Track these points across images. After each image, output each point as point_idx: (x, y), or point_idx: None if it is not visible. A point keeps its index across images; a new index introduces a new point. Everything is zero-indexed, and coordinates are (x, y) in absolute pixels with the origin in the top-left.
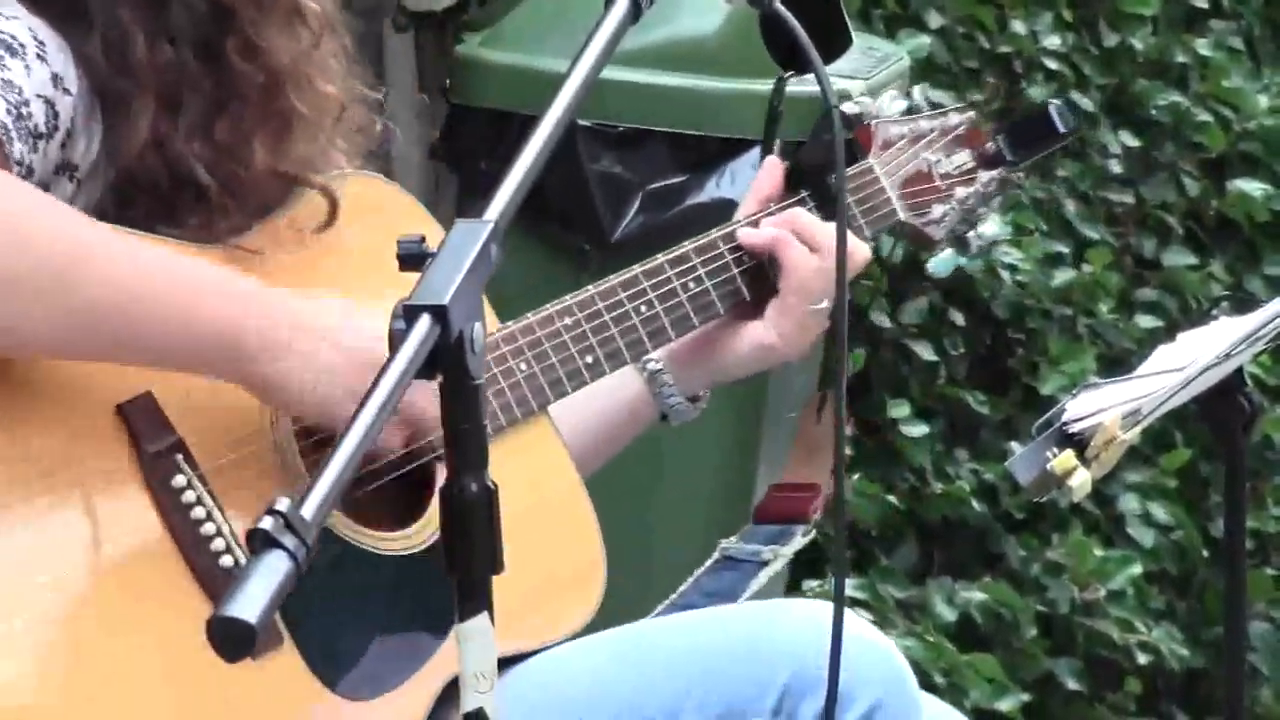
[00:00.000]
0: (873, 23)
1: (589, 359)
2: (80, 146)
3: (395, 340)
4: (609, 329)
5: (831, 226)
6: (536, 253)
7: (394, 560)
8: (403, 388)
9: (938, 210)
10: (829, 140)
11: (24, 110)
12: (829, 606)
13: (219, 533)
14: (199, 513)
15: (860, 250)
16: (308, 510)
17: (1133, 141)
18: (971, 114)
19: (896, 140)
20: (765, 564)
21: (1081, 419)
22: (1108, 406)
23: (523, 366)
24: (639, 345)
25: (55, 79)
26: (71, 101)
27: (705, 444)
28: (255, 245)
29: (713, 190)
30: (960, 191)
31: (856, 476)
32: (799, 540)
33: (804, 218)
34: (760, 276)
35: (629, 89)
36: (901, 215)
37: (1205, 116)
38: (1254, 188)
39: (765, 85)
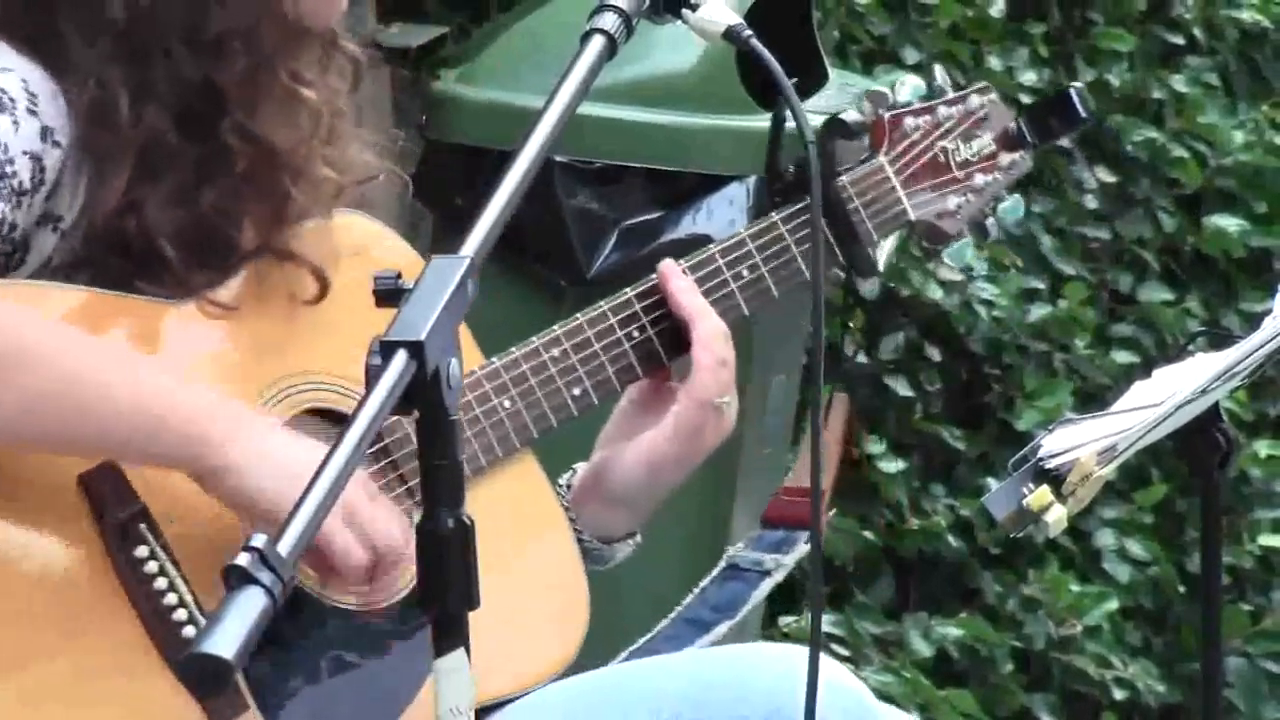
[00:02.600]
0: (849, 59)
1: (576, 391)
2: (66, 198)
3: (372, 376)
4: (599, 357)
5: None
6: (513, 289)
7: (360, 618)
8: (379, 421)
9: (953, 201)
10: (829, 149)
11: (8, 169)
12: (804, 651)
13: (181, 603)
14: (161, 583)
15: (727, 419)
16: (284, 547)
17: (1109, 177)
18: (993, 94)
19: (913, 131)
20: (768, 574)
21: (1058, 455)
22: (1084, 442)
23: (506, 403)
24: (630, 372)
25: (45, 132)
26: (60, 154)
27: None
28: (232, 297)
29: (689, 226)
30: (979, 179)
31: (833, 512)
32: (801, 548)
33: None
34: (760, 291)
35: (605, 125)
36: (914, 215)
37: (1181, 152)
38: (1230, 223)
39: (742, 121)
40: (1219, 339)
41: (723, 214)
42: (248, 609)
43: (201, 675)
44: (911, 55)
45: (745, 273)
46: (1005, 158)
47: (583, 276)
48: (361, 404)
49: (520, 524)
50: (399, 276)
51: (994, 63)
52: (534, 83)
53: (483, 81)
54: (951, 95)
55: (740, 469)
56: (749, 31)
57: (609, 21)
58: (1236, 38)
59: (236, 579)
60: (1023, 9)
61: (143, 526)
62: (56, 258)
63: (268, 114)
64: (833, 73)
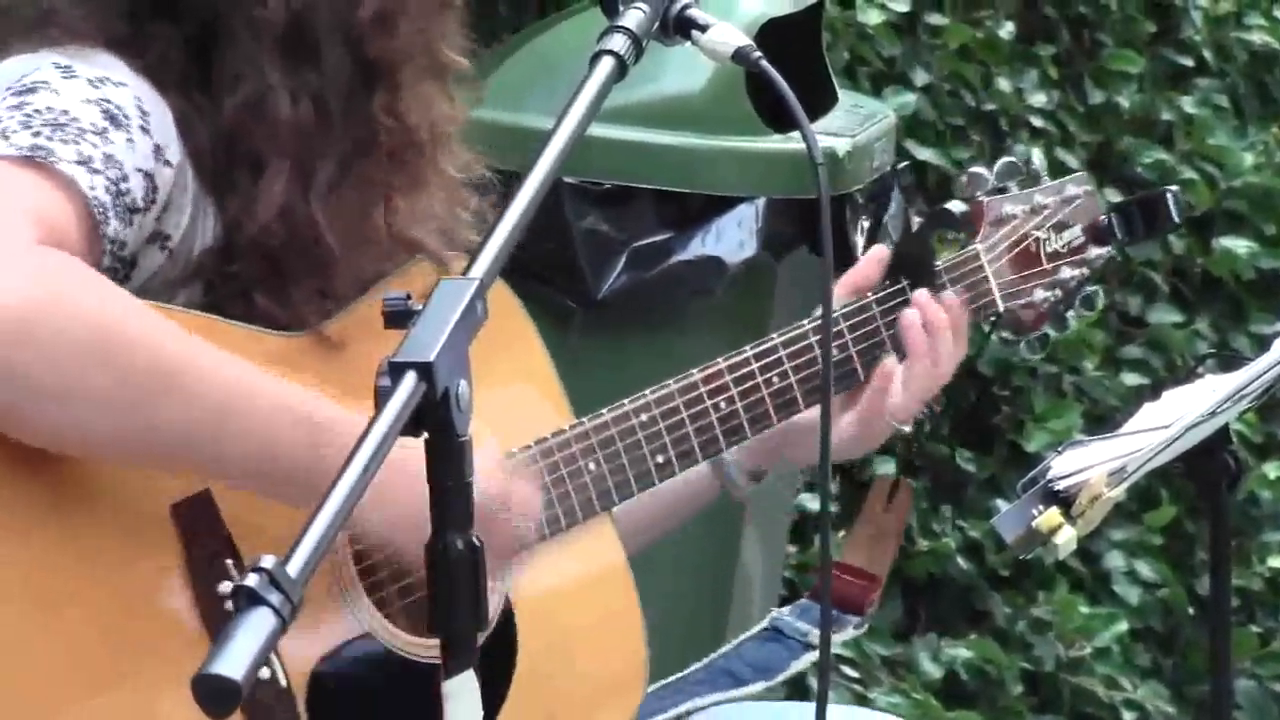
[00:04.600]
0: (859, 80)
1: (660, 459)
2: (174, 217)
3: (381, 397)
4: (684, 426)
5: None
6: None
7: (428, 667)
8: (389, 443)
9: (1040, 295)
10: (930, 241)
11: (123, 186)
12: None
13: None
14: None
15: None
16: (293, 567)
17: (1118, 198)
18: (1089, 185)
19: (1009, 219)
20: (811, 647)
21: (1067, 476)
22: (1093, 464)
23: (591, 466)
24: (714, 444)
25: (157, 151)
26: (171, 174)
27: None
28: (338, 332)
29: (698, 248)
30: (1066, 272)
31: (842, 534)
32: (850, 632)
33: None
34: (847, 371)
35: (615, 146)
36: (1002, 306)
37: (1191, 174)
38: (1239, 245)
39: (751, 143)
40: (1228, 361)
41: (732, 235)
42: (257, 630)
43: (210, 695)
44: (921, 77)
45: (835, 351)
46: (1093, 251)
47: (591, 298)
48: (371, 425)
49: (589, 588)
50: (408, 298)
51: (1003, 84)
52: (543, 104)
53: (492, 103)
54: (1048, 182)
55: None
56: (758, 53)
57: (618, 43)
58: (1246, 59)
59: (245, 600)
60: (1032, 31)
61: (229, 561)
62: (159, 277)
63: (419, 89)
64: (842, 94)
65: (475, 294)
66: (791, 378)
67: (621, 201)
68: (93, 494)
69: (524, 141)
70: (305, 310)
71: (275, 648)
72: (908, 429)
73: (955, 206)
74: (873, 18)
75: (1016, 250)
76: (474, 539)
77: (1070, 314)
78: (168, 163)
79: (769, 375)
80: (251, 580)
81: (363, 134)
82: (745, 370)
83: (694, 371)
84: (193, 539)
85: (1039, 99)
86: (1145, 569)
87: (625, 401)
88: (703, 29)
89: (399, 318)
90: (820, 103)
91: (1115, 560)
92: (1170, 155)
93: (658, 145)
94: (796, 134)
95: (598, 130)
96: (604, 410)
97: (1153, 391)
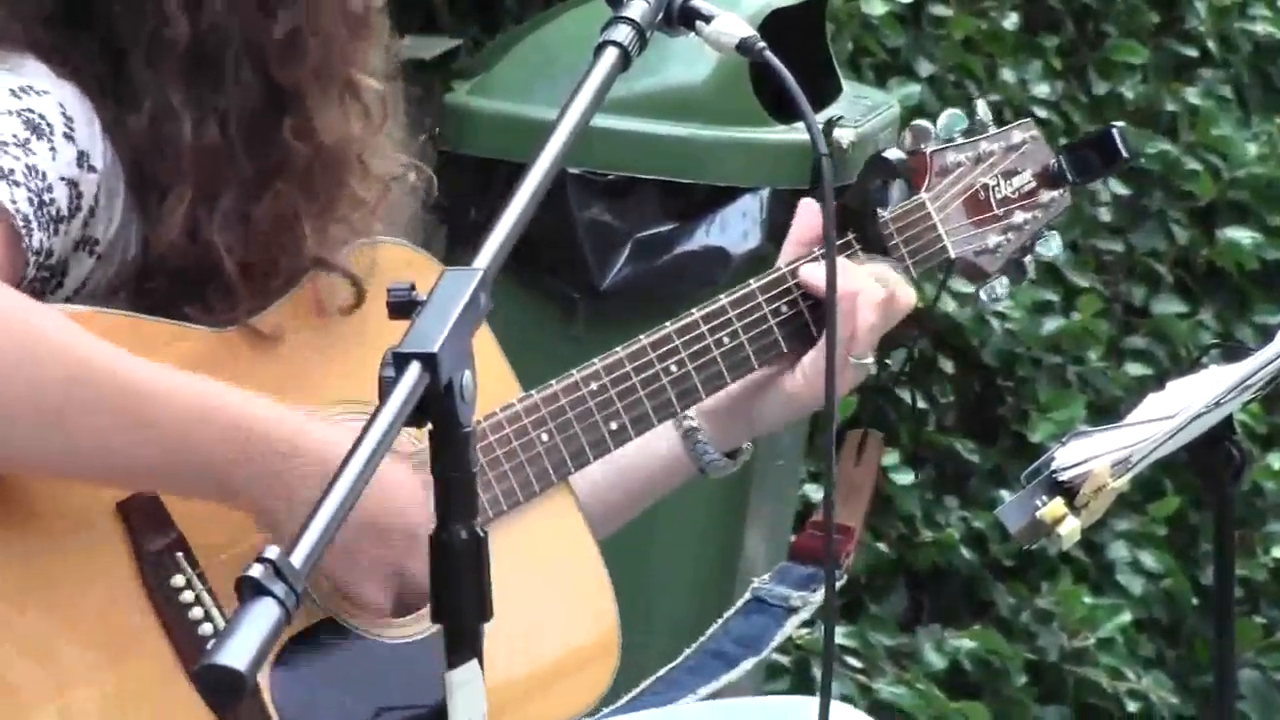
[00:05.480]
0: (863, 71)
1: (614, 425)
2: (102, 222)
3: (385, 388)
4: (636, 392)
5: (894, 284)
6: (525, 300)
7: (393, 648)
8: (394, 433)
9: (993, 240)
10: (872, 187)
11: (46, 197)
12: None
13: (216, 633)
14: (197, 613)
15: (906, 296)
16: (297, 558)
17: (1122, 190)
18: (1034, 130)
19: (954, 167)
20: (794, 610)
21: (1071, 467)
22: (1097, 454)
23: (544, 437)
24: (667, 407)
25: (81, 157)
26: (96, 179)
27: (694, 492)
28: (273, 324)
29: (702, 238)
30: (1019, 216)
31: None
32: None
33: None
34: (798, 328)
35: (618, 137)
36: (954, 253)
37: (1195, 165)
38: (1243, 236)
39: (755, 133)
40: (1232, 352)
41: (736, 226)
42: (261, 620)
43: (215, 686)
44: (925, 68)
45: (785, 309)
46: (1045, 195)
47: (595, 288)
48: (375, 416)
49: (553, 562)
50: (412, 288)
51: (1007, 75)
52: (547, 95)
53: (496, 94)
54: (994, 130)
55: (752, 482)
56: (762, 44)
57: (622, 34)
58: (1250, 50)
59: (250, 591)
60: (1036, 22)
61: (180, 555)
62: (91, 282)
63: (329, 110)
64: (846, 85)
65: (479, 285)
66: (742, 336)
67: (625, 192)
68: (35, 494)
69: (528, 132)
70: (230, 315)
71: None
72: (870, 363)
73: (892, 154)
74: (877, 8)
75: (965, 197)
76: (478, 530)
77: (1028, 259)
78: (92, 168)
79: (719, 335)
80: (256, 571)
81: (272, 157)
82: (694, 333)
83: (641, 337)
84: (141, 535)
85: (1043, 90)
86: (1149, 560)
87: (574, 371)
88: (707, 20)
89: (403, 308)
90: (824, 93)
91: (1119, 551)
92: (1174, 146)
93: (662, 136)
94: (801, 125)
95: (602, 121)
96: (552, 381)
97: (1157, 382)
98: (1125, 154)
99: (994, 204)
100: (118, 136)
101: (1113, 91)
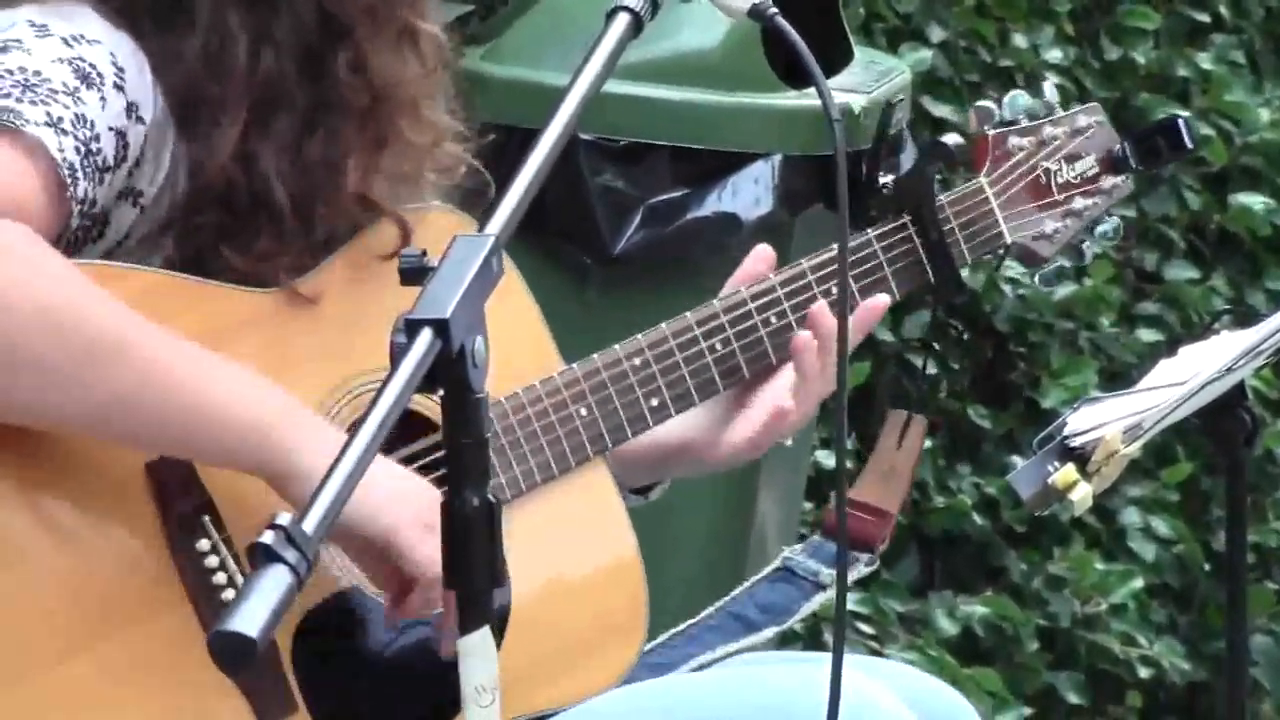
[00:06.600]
0: (874, 36)
1: (654, 402)
2: (148, 173)
3: (396, 353)
4: (679, 369)
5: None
6: (537, 267)
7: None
8: (405, 399)
9: (1050, 225)
10: (929, 172)
11: (93, 146)
12: (863, 665)
13: None
14: (220, 578)
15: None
16: (309, 524)
17: None
18: (1100, 115)
19: (1016, 151)
20: (823, 588)
21: (1083, 433)
22: (1109, 420)
23: (583, 412)
24: (710, 386)
25: (130, 108)
26: (144, 130)
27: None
28: (313, 288)
29: (714, 204)
30: (1079, 202)
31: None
32: (860, 569)
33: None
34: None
35: (630, 103)
36: (1010, 238)
37: (1207, 130)
38: (1255, 201)
39: (767, 99)
40: (1244, 317)
41: (748, 192)
42: (273, 587)
43: (227, 652)
44: (937, 33)
45: (835, 290)
46: (1107, 181)
47: (608, 254)
48: (386, 382)
49: (585, 534)
50: (424, 254)
51: (1019, 41)
52: (559, 61)
53: (508, 59)
54: (1059, 114)
55: (764, 457)
56: (774, 9)
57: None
58: (1263, 16)
59: (262, 557)
60: None
61: (206, 519)
62: (135, 233)
63: (384, 49)
64: (858, 50)
65: (491, 250)
66: (790, 316)
67: (637, 158)
68: (65, 455)
69: (540, 98)
70: (272, 265)
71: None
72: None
73: (951, 139)
74: None
75: (1025, 182)
76: (490, 496)
77: (1087, 245)
78: (140, 119)
79: (766, 315)
80: (268, 537)
81: (326, 90)
82: (742, 311)
83: (688, 314)
84: (169, 497)
85: (1055, 55)
86: (1161, 525)
87: (617, 346)
88: None
89: (414, 274)
90: (836, 59)
91: (1131, 517)
92: (1187, 111)
93: (674, 102)
94: (812, 90)
95: (614, 87)
96: (595, 355)
97: (1169, 348)
98: (1190, 144)
99: (1054, 189)
100: (171, 66)
101: (1125, 57)
